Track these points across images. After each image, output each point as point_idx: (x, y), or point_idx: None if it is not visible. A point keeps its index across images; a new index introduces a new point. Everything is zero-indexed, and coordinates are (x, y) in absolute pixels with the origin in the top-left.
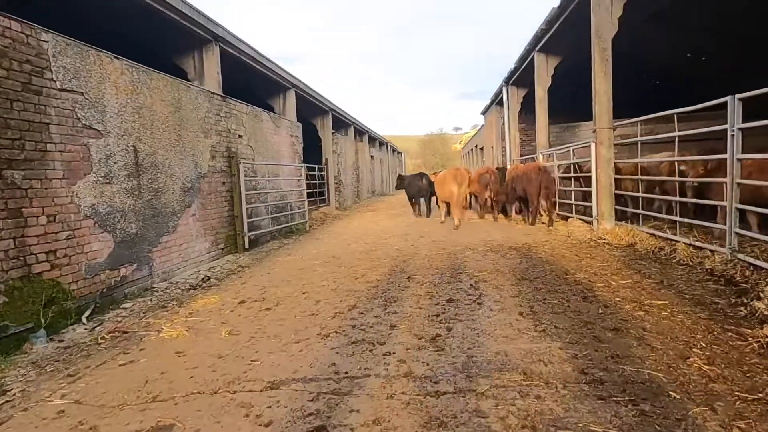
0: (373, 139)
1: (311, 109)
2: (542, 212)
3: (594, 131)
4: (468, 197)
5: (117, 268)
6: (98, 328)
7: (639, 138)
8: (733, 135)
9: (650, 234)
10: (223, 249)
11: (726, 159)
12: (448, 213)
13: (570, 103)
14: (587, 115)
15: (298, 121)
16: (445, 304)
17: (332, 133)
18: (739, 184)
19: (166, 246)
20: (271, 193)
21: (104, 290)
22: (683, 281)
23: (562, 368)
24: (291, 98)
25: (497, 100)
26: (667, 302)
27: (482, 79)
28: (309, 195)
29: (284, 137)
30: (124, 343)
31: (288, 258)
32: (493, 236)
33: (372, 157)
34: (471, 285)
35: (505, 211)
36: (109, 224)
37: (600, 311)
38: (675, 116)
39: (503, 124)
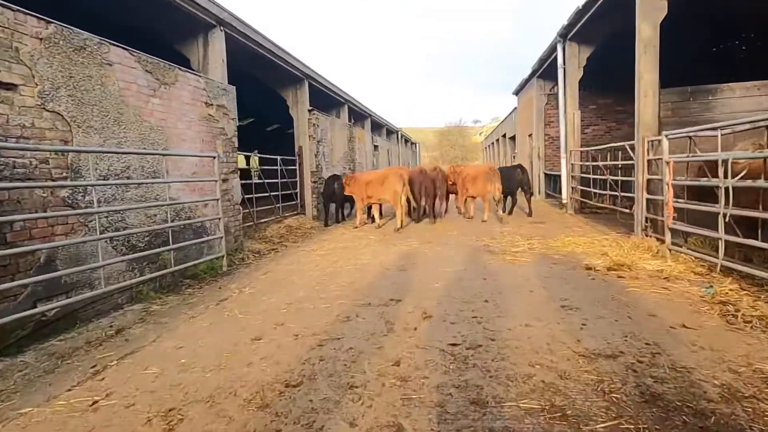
0: (379, 126)
1: (272, 73)
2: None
3: None
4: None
5: None
6: None
7: None
8: None
9: None
10: None
11: None
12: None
13: (686, 60)
14: (722, 75)
15: (250, 88)
16: None
17: (309, 110)
18: None
19: None
20: (132, 211)
21: None
22: None
23: None
24: (217, 44)
25: (540, 71)
26: None
27: (502, 73)
28: (267, 200)
29: (184, 105)
30: None
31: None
32: (575, 302)
33: (376, 147)
34: None
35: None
36: None
37: None
38: None
39: (546, 103)
